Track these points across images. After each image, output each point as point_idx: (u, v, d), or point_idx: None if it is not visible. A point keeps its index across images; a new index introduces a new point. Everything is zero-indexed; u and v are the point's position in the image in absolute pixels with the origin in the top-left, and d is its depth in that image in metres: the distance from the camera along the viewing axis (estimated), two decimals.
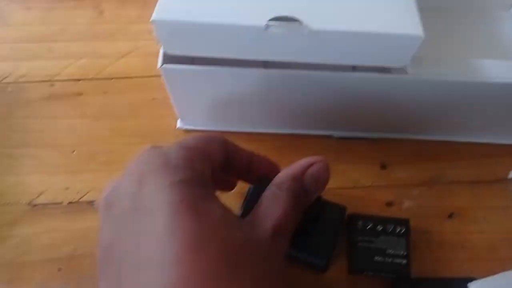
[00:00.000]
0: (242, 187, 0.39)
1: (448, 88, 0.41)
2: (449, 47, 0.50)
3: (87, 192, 0.44)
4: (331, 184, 0.39)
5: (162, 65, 0.39)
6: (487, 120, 0.45)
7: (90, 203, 0.43)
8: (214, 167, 0.31)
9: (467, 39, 0.51)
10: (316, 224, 0.39)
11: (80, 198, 0.44)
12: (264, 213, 0.29)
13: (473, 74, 0.40)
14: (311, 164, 0.33)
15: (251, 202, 0.37)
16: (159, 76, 0.40)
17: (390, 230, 0.41)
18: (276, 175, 0.32)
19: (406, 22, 0.36)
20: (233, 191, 0.39)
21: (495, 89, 0.41)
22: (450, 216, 0.44)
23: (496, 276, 0.38)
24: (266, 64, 0.44)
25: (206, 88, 0.42)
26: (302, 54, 0.37)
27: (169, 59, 0.39)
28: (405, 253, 0.40)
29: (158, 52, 0.39)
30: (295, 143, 0.47)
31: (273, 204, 0.30)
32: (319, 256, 0.39)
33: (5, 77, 0.51)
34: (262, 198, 0.31)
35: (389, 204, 0.44)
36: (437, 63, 0.40)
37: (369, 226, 0.41)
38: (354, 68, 0.44)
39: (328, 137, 0.47)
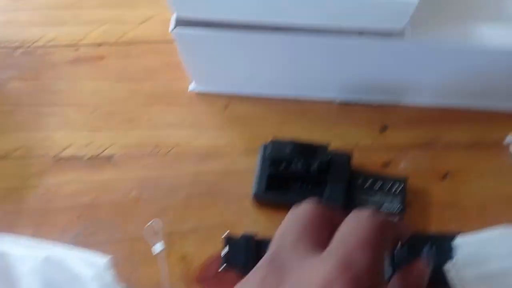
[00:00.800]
0: None
1: (446, 53, 0.42)
2: (452, 10, 0.50)
3: (107, 148, 0.48)
4: (332, 145, 0.43)
5: (174, 28, 0.42)
6: (486, 85, 0.47)
7: (109, 158, 0.48)
8: None
9: (473, 2, 0.52)
10: (328, 173, 0.43)
11: (100, 153, 0.48)
12: None
13: (472, 40, 0.41)
14: None
15: None
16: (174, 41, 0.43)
17: (388, 188, 0.44)
18: None
19: None
20: None
21: (495, 56, 0.42)
22: (444, 177, 0.46)
23: (482, 231, 0.41)
24: (274, 29, 0.47)
25: (216, 51, 0.45)
26: (304, 16, 0.39)
27: (182, 23, 0.42)
28: (399, 210, 0.43)
29: None
30: (299, 107, 0.50)
31: None
32: (336, 203, 0.42)
33: (35, 41, 0.55)
34: None
35: (386, 164, 0.47)
36: (437, 28, 0.41)
37: (368, 183, 0.44)
38: (360, 34, 0.46)
39: (330, 102, 0.50)
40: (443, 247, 0.41)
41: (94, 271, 0.36)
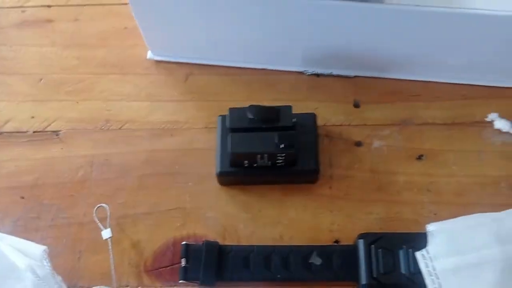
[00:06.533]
0: None
1: (426, 19, 0.39)
2: None
3: (53, 122, 0.44)
4: None
5: None
6: (469, 58, 0.43)
7: (55, 132, 0.43)
8: None
9: None
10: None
11: (45, 128, 0.44)
12: None
13: (455, 4, 0.37)
14: None
15: None
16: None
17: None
18: None
19: None
20: None
21: (479, 22, 0.38)
22: (419, 158, 0.43)
23: (456, 219, 0.38)
24: None
25: (174, 12, 0.41)
26: None
27: None
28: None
29: None
30: (266, 78, 0.46)
31: None
32: (311, 164, 0.40)
33: None
34: None
35: (358, 144, 0.43)
36: None
37: None
38: None
39: (301, 73, 0.46)
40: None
41: (28, 261, 0.32)
